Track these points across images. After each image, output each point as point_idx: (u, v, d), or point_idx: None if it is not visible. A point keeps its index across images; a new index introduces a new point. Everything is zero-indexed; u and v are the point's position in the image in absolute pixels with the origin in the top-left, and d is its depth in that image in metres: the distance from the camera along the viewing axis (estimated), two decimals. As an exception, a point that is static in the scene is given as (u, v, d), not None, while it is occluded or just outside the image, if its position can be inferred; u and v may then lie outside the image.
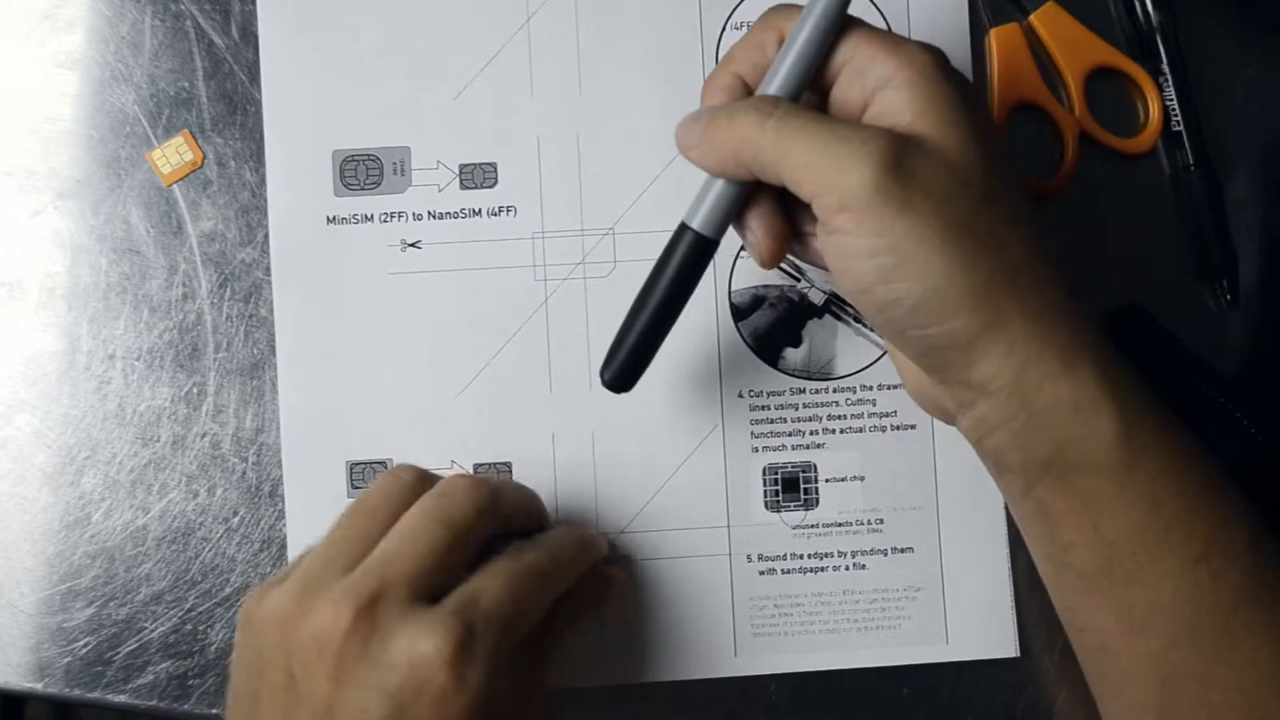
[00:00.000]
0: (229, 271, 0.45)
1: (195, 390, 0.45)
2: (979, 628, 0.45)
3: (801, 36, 0.36)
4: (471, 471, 0.45)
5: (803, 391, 0.46)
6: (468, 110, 0.45)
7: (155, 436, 0.45)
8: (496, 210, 0.45)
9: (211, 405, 0.45)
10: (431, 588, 0.36)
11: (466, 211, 0.45)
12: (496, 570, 0.38)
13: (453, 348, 0.45)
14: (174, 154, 0.44)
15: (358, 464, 0.45)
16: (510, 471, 0.45)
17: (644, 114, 0.45)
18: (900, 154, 0.33)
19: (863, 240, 0.33)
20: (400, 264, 0.45)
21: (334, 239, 0.45)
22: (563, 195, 0.45)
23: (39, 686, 0.44)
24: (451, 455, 0.45)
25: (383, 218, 0.45)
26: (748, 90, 0.37)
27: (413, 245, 0.45)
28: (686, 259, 0.38)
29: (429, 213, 0.45)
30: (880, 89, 0.35)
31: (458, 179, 0.45)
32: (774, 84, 0.36)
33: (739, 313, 0.46)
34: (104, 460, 0.45)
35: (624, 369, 0.39)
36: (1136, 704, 0.37)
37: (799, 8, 0.36)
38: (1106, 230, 0.46)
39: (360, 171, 0.45)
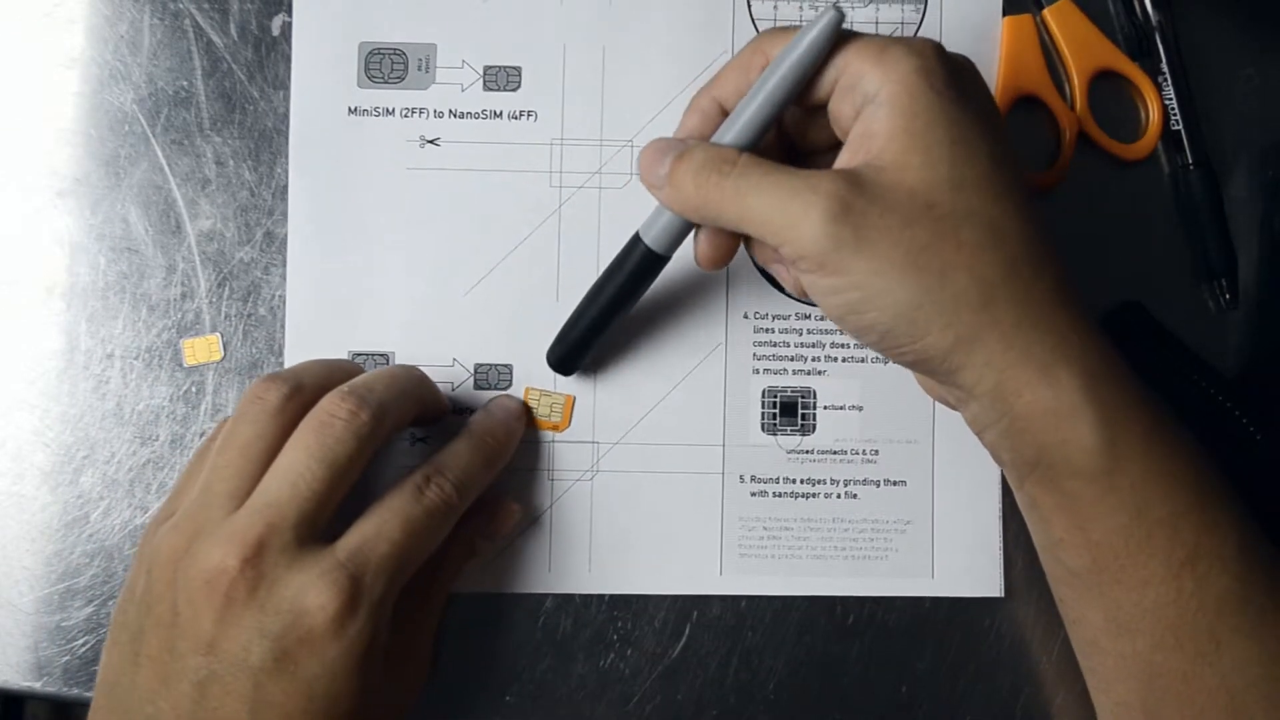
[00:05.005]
0: (227, 271, 0.45)
1: (194, 389, 0.45)
2: (965, 565, 0.45)
3: (771, 83, 0.36)
4: (472, 372, 0.45)
5: (808, 317, 0.46)
6: (497, 12, 0.46)
7: (154, 435, 0.45)
8: (517, 114, 0.46)
9: (210, 404, 0.45)
10: (318, 526, 0.37)
11: (487, 113, 0.45)
12: (394, 514, 0.38)
13: (463, 247, 0.45)
14: (203, 350, 0.45)
15: (359, 354, 0.45)
16: (511, 376, 0.45)
17: (672, 31, 0.46)
18: (849, 197, 0.34)
19: (825, 281, 0.35)
20: (418, 160, 0.45)
21: (354, 130, 0.45)
22: (584, 104, 0.46)
23: (38, 685, 0.44)
24: (454, 354, 0.45)
25: (404, 113, 0.45)
26: (724, 115, 0.38)
27: (431, 142, 0.45)
28: (636, 270, 0.40)
29: (450, 111, 0.45)
30: (868, 104, 0.35)
31: (481, 80, 0.46)
32: (732, 133, 0.37)
33: None
34: (102, 459, 0.45)
35: (568, 356, 0.43)
36: (1124, 701, 0.38)
37: (792, 33, 0.37)
38: (1106, 230, 0.46)
39: (385, 65, 0.45)
